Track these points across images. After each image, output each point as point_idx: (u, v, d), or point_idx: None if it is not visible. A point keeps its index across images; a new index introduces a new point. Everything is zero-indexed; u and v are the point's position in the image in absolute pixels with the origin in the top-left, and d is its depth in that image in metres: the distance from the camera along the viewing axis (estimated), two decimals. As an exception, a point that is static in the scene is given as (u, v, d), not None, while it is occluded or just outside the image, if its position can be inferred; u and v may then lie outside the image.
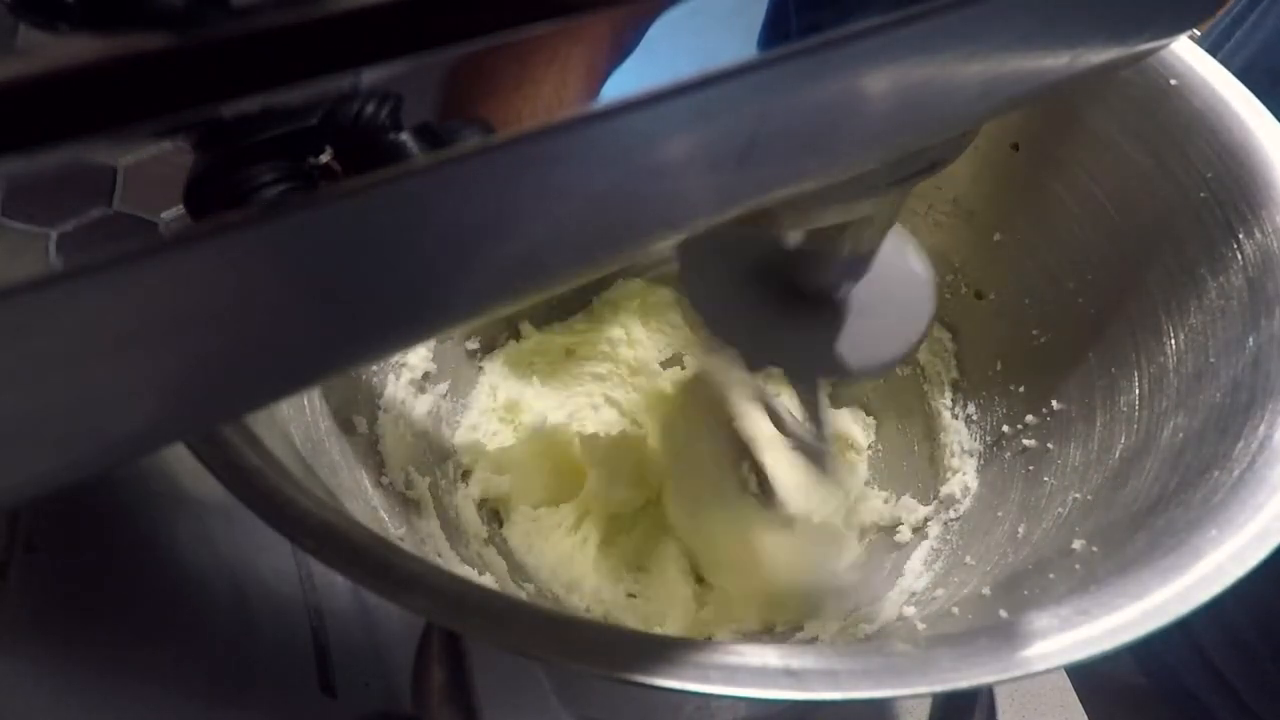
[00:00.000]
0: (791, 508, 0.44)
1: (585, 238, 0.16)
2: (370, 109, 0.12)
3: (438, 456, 0.47)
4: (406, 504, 0.42)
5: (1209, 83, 0.37)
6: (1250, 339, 0.32)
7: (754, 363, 0.36)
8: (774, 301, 0.33)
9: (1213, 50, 0.47)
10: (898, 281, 0.34)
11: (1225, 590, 0.24)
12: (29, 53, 0.10)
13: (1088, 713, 0.50)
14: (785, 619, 0.44)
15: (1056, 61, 0.20)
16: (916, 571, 0.43)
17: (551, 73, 0.14)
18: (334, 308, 0.14)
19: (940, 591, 0.39)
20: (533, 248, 0.16)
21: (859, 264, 0.32)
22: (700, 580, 0.47)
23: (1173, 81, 0.37)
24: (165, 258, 0.12)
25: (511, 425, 0.51)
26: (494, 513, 0.49)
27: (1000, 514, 0.41)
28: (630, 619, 0.45)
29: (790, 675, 0.21)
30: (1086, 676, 0.52)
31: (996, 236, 0.46)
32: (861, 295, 0.33)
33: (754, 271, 0.33)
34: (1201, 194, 0.36)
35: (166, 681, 0.33)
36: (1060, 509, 0.36)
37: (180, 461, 0.38)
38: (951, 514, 0.45)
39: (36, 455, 0.13)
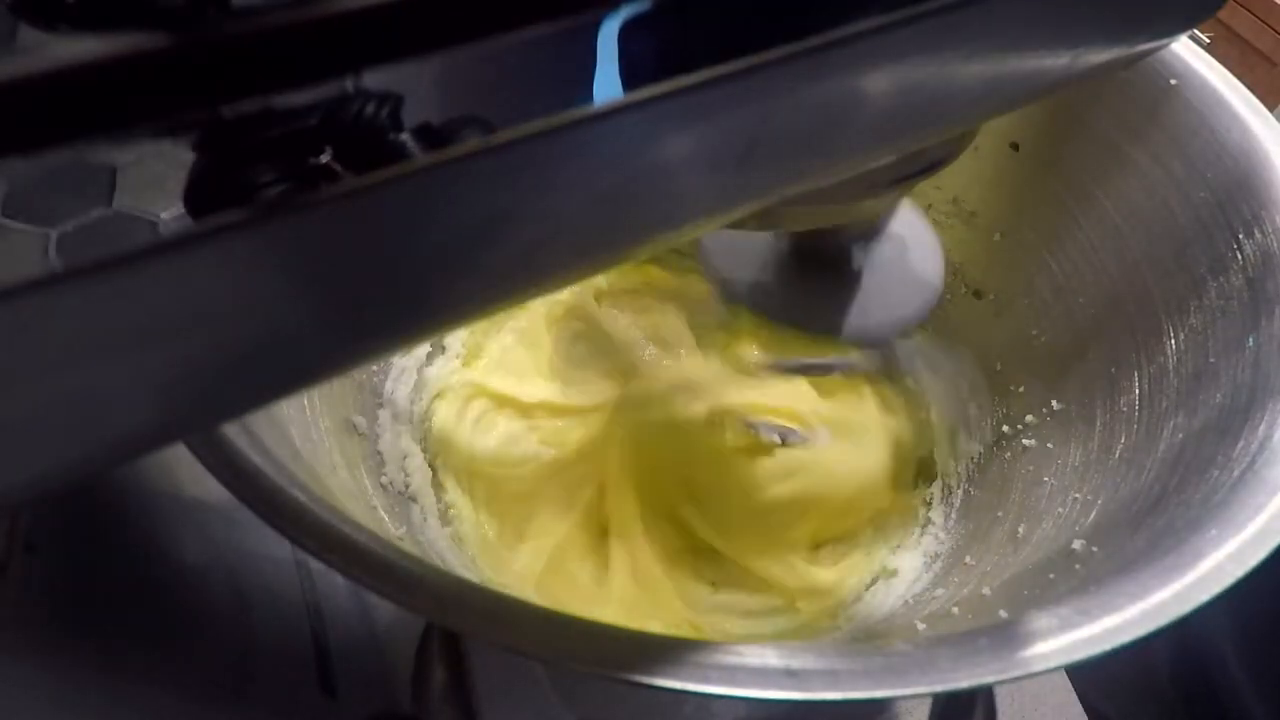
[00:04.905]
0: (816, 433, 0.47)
1: (586, 238, 0.16)
2: (370, 109, 0.12)
3: (432, 454, 0.47)
4: (406, 503, 0.42)
5: (1209, 82, 0.37)
6: (1250, 339, 0.32)
7: (774, 322, 0.36)
8: (791, 266, 0.33)
9: None
10: (910, 243, 0.34)
11: (1224, 590, 0.24)
12: (29, 53, 0.10)
13: (1088, 713, 0.50)
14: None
15: (1057, 62, 0.20)
16: (916, 572, 0.43)
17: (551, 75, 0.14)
18: (334, 308, 0.14)
19: (940, 591, 0.39)
20: (533, 248, 0.16)
21: (870, 229, 0.32)
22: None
23: (1173, 81, 0.37)
24: (165, 258, 0.12)
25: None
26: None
27: (1000, 514, 0.41)
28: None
29: (790, 675, 0.21)
30: (1086, 676, 0.52)
31: (996, 236, 0.46)
32: (876, 258, 0.33)
33: (769, 239, 0.34)
34: (1201, 194, 0.36)
35: (166, 681, 0.33)
36: (1060, 509, 0.36)
37: (180, 461, 0.38)
38: (951, 514, 0.45)
39: (37, 455, 0.13)
